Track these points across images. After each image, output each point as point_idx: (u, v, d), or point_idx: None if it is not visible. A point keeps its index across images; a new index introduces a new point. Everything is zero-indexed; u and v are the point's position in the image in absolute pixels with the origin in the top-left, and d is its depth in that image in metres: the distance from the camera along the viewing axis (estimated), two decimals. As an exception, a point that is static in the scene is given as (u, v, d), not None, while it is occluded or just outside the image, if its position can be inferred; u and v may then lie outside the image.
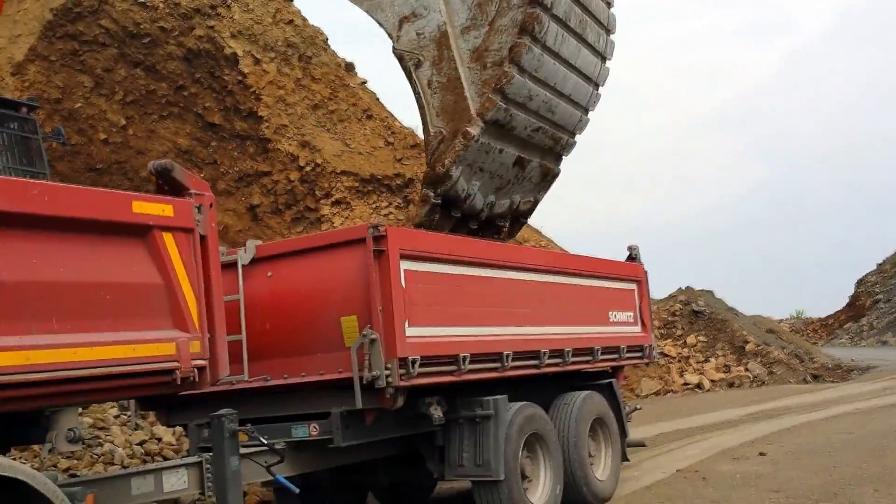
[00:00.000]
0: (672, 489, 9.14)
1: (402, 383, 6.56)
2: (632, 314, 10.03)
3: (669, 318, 22.84)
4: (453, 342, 7.14)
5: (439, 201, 8.85)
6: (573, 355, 8.64)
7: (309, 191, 19.54)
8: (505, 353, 7.65)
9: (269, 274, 7.06)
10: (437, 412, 7.28)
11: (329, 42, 21.45)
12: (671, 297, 24.37)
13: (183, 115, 20.60)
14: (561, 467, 8.29)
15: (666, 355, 21.38)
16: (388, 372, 6.47)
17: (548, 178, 10.24)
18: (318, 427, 6.82)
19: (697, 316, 22.72)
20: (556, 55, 9.01)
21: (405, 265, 6.75)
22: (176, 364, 4.81)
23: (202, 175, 21.44)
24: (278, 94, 20.96)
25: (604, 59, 10.00)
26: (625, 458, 9.61)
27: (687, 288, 24.43)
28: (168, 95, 20.10)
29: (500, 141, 9.03)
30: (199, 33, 19.77)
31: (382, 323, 6.51)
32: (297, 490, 6.86)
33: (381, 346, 6.45)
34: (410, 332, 6.70)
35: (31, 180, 5.36)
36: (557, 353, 8.44)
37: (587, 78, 9.81)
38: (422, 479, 8.28)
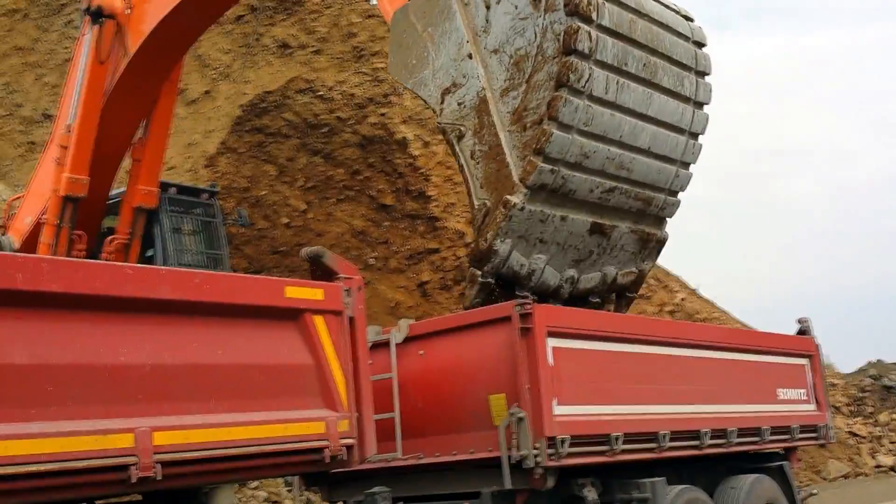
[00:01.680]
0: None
1: (551, 463, 6.49)
2: (804, 391, 9.47)
3: (859, 395, 21.25)
4: (605, 421, 7.01)
5: (491, 280, 7.87)
6: (738, 436, 8.25)
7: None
8: (661, 433, 7.42)
9: (422, 352, 7.23)
10: (591, 494, 7.11)
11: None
12: (860, 371, 22.72)
13: (358, 198, 21.64)
14: (727, 556, 7.86)
15: (856, 435, 19.85)
16: (536, 451, 6.42)
17: (650, 244, 9.10)
18: (472, 506, 6.85)
19: (890, 391, 21.02)
20: (613, 105, 8.03)
21: (553, 342, 6.75)
22: (325, 443, 5.02)
23: (375, 254, 22.36)
24: (446, 174, 21.59)
25: (697, 104, 8.91)
26: (799, 548, 8.99)
27: (878, 361, 22.73)
28: (344, 180, 21.19)
29: (561, 208, 8.09)
30: (372, 121, 20.83)
31: (530, 401, 6.51)
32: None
33: (529, 424, 6.44)
34: (559, 410, 6.65)
35: (193, 270, 5.79)
36: (720, 434, 8.09)
37: (672, 127, 8.70)
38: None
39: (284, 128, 20.61)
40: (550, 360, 6.70)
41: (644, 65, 8.22)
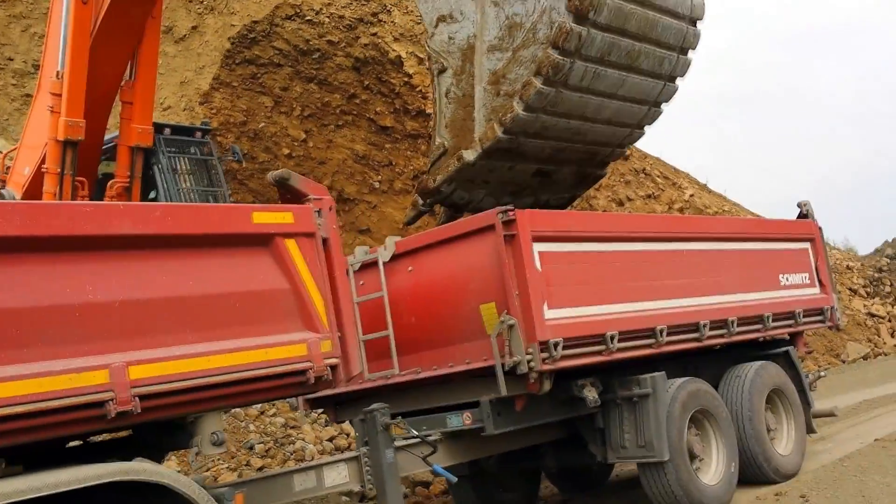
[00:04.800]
0: (867, 460, 8.50)
1: (546, 367, 6.52)
2: (806, 275, 9.40)
3: (876, 275, 21.17)
4: (599, 321, 7.00)
5: (428, 209, 8.77)
6: (739, 325, 8.23)
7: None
8: (658, 327, 7.41)
9: (410, 269, 7.21)
10: (591, 394, 7.16)
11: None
12: (877, 251, 22.60)
13: (357, 123, 21.44)
14: (735, 444, 7.93)
15: (874, 315, 19.85)
16: (529, 357, 6.44)
17: (587, 180, 9.52)
18: (470, 416, 6.91)
19: (908, 270, 20.92)
20: (585, 90, 8.15)
21: (539, 247, 6.70)
22: (309, 364, 5.01)
23: (379, 177, 22.26)
24: (443, 90, 21.19)
25: (671, 78, 8.90)
26: (811, 430, 9.04)
27: (894, 240, 22.55)
28: (342, 105, 20.96)
29: (510, 160, 8.44)
30: (364, 41, 20.47)
31: (520, 308, 6.49)
32: (455, 479, 7.01)
33: (520, 330, 6.44)
34: (550, 314, 6.64)
35: (152, 203, 5.73)
36: (720, 324, 8.07)
37: (638, 101, 8.79)
38: (591, 461, 8.17)
39: (276, 57, 20.27)
40: (538, 264, 6.66)
41: (627, 52, 8.26)
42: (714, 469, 7.76)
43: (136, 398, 4.23)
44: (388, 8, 21.28)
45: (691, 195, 21.95)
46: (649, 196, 21.89)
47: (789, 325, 9.01)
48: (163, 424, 4.84)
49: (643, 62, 8.44)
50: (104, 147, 12.29)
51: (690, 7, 8.72)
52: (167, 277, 4.58)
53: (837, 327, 9.87)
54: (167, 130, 13.88)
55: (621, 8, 7.92)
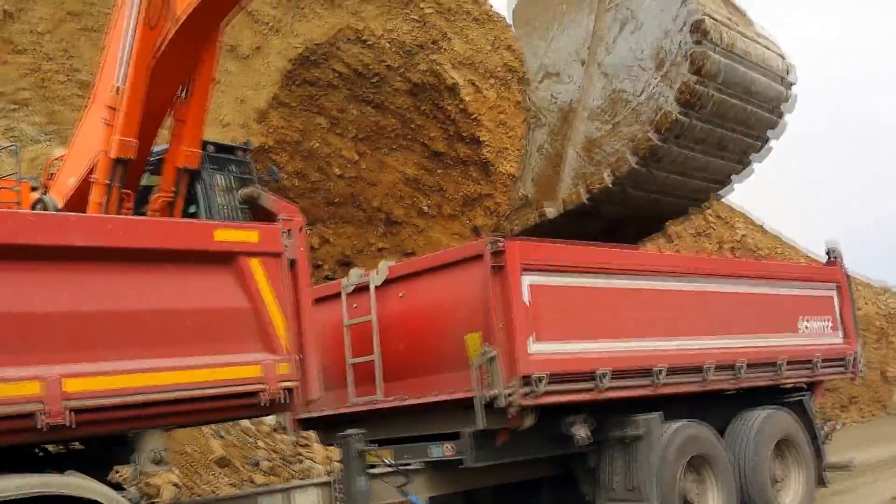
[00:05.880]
0: (879, 519, 8.05)
1: (526, 402, 6.33)
2: (829, 322, 8.99)
3: (933, 323, 20.28)
4: (589, 358, 6.79)
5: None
6: (748, 370, 7.90)
7: (531, 210, 19.76)
8: (657, 368, 7.15)
9: (402, 294, 7.11)
10: (580, 432, 6.94)
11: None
12: (937, 299, 21.67)
13: (410, 147, 21.54)
14: (734, 493, 7.58)
15: (928, 366, 18.99)
16: (509, 391, 6.27)
17: (646, 234, 9.73)
18: (452, 447, 6.75)
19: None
20: (670, 169, 8.39)
21: (530, 279, 6.54)
22: (262, 386, 4.95)
23: (428, 201, 22.28)
24: (498, 118, 21.31)
25: (749, 162, 9.07)
26: (822, 482, 8.60)
27: (957, 289, 21.57)
28: (396, 129, 21.09)
29: (586, 220, 8.74)
30: (422, 67, 20.59)
31: (504, 340, 6.33)
32: (432, 510, 6.84)
33: (501, 363, 6.27)
34: (536, 348, 6.46)
35: (108, 216, 5.76)
36: (727, 368, 7.75)
37: (715, 180, 9.03)
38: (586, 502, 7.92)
39: (334, 79, 20.52)
40: (526, 297, 6.50)
41: (719, 139, 8.48)
42: (711, 519, 7.43)
43: (70, 412, 4.21)
44: (447, 35, 21.38)
45: (743, 235, 21.46)
46: (699, 234, 21.45)
47: (806, 373, 8.62)
48: (110, 438, 4.82)
49: (730, 146, 8.68)
50: (149, 160, 12.55)
51: (786, 73, 8.82)
52: (117, 291, 4.58)
53: (858, 377, 9.41)
54: (211, 147, 14.15)
55: (725, 101, 8.12)
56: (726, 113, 8.20)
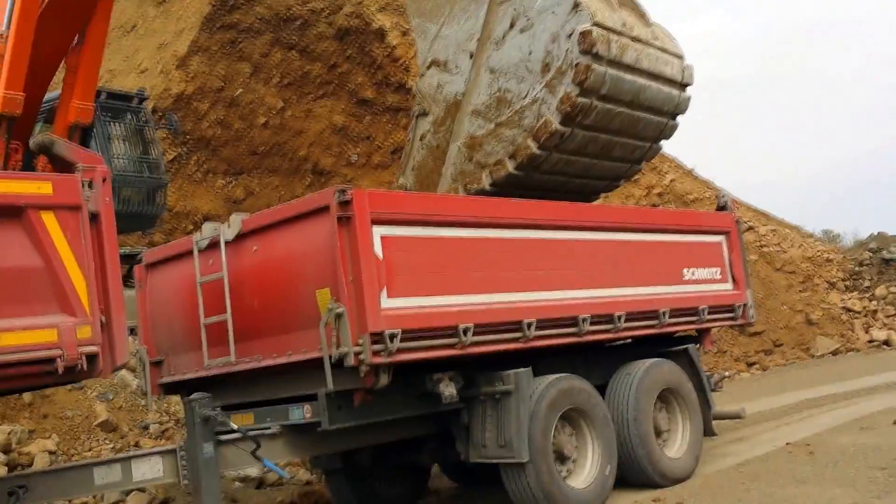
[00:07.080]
0: (764, 466, 7.95)
1: (378, 360, 6.02)
2: (718, 270, 8.80)
3: (856, 269, 20.39)
4: (450, 312, 6.48)
5: None
6: (627, 320, 7.67)
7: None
8: (526, 321, 6.88)
9: (255, 249, 6.71)
10: (447, 389, 6.67)
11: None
12: (861, 244, 21.80)
13: (337, 94, 20.93)
14: (614, 446, 7.41)
15: (850, 310, 19.13)
16: (358, 349, 5.94)
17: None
18: (311, 409, 6.44)
19: (889, 264, 20.09)
20: (552, 172, 8.10)
21: (381, 231, 6.19)
22: (58, 352, 4.56)
23: (357, 150, 21.75)
24: (428, 63, 20.65)
25: (639, 161, 8.90)
26: (710, 432, 8.49)
27: (879, 234, 21.71)
28: (322, 75, 20.48)
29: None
30: (347, 10, 19.92)
31: (352, 295, 5.99)
32: (287, 475, 6.56)
33: (350, 320, 5.94)
34: (389, 303, 6.14)
35: None
36: (604, 319, 7.52)
37: (603, 178, 8.84)
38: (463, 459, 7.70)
39: (257, 23, 19.79)
40: (378, 249, 6.16)
41: (603, 146, 8.18)
42: (587, 472, 7.24)
43: None
44: (374, -22, 20.68)
45: (672, 180, 21.26)
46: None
47: (691, 322, 8.44)
48: None
49: (617, 151, 8.43)
50: (42, 108, 11.88)
51: (681, 77, 8.53)
52: None
53: (749, 325, 9.27)
54: (103, 95, 13.54)
55: (609, 111, 7.84)
56: (611, 122, 7.95)
